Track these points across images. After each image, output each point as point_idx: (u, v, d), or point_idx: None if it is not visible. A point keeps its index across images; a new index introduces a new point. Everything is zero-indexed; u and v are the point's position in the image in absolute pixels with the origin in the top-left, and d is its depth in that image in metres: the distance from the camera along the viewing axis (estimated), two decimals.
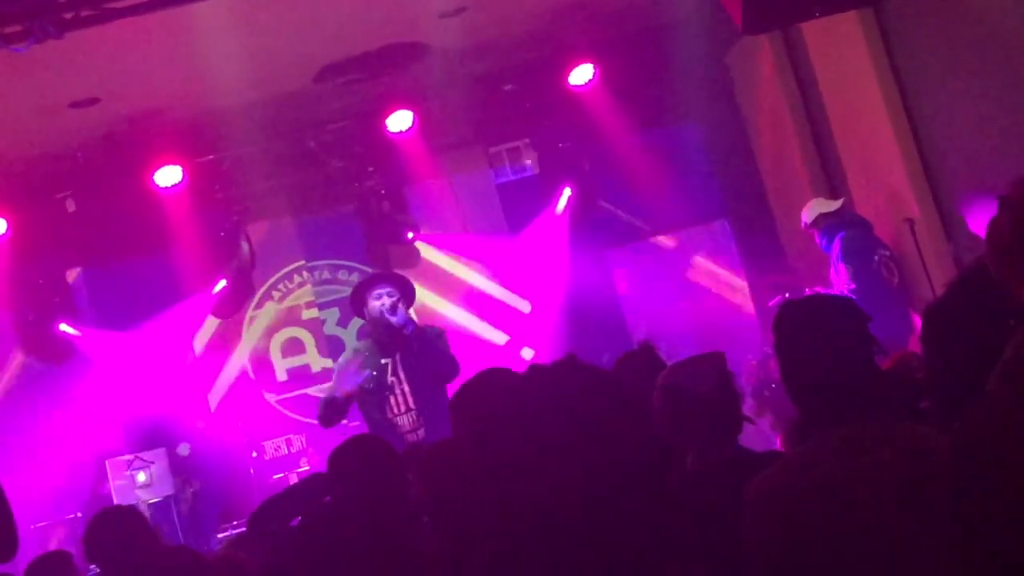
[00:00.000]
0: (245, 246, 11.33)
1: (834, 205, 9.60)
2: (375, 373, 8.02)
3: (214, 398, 11.58)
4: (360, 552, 3.18)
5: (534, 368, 1.80)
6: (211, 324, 11.67)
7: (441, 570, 2.54)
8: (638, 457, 1.71)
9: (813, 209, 9.60)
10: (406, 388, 7.99)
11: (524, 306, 12.00)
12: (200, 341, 11.61)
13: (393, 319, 7.92)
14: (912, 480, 2.85)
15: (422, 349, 7.97)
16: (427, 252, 11.97)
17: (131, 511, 5.73)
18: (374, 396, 8.01)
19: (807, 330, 3.17)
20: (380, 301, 8.02)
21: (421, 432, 7.89)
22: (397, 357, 8.05)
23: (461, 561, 1.99)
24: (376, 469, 4.38)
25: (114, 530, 5.43)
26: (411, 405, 7.96)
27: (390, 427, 7.95)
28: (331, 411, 8.02)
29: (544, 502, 1.66)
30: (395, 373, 8.02)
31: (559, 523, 1.66)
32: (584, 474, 1.67)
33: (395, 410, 7.99)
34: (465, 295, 12.03)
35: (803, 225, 9.69)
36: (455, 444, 2.54)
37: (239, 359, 11.78)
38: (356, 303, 8.23)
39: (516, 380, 1.77)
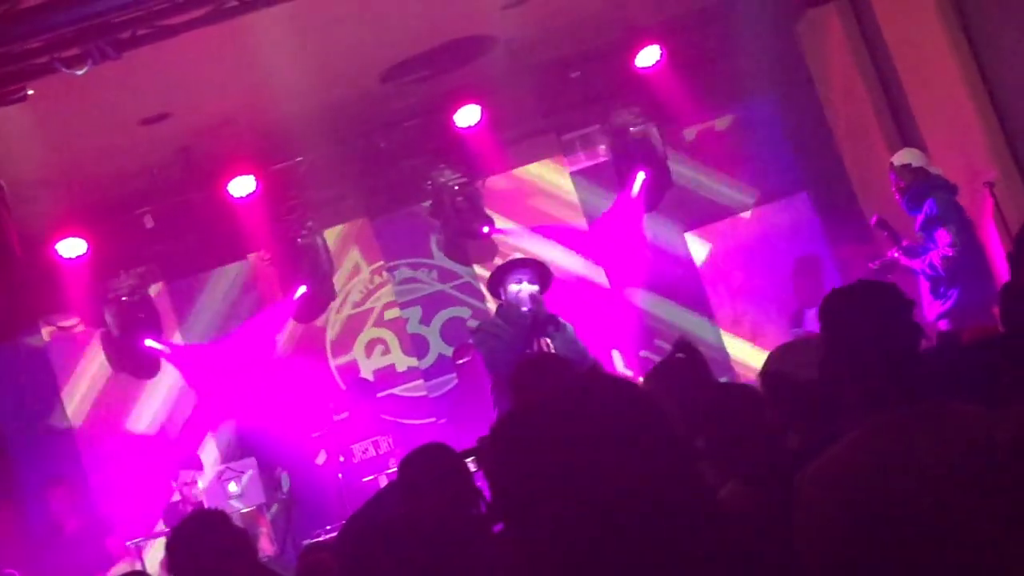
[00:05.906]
0: (323, 250, 11.37)
1: (933, 168, 9.23)
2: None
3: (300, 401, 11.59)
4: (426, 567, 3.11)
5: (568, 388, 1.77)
6: (294, 330, 11.70)
7: None
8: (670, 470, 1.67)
9: (916, 157, 9.22)
10: None
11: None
12: (284, 347, 11.64)
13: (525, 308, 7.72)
14: (963, 459, 2.81)
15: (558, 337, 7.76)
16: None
17: (223, 516, 4.98)
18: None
19: (856, 315, 3.14)
20: (519, 287, 7.85)
21: None
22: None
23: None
24: (441, 483, 4.25)
25: (206, 537, 4.68)
26: None
27: None
28: None
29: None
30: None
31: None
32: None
33: None
34: None
35: (894, 167, 9.24)
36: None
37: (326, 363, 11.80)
38: (493, 284, 8.10)
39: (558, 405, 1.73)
